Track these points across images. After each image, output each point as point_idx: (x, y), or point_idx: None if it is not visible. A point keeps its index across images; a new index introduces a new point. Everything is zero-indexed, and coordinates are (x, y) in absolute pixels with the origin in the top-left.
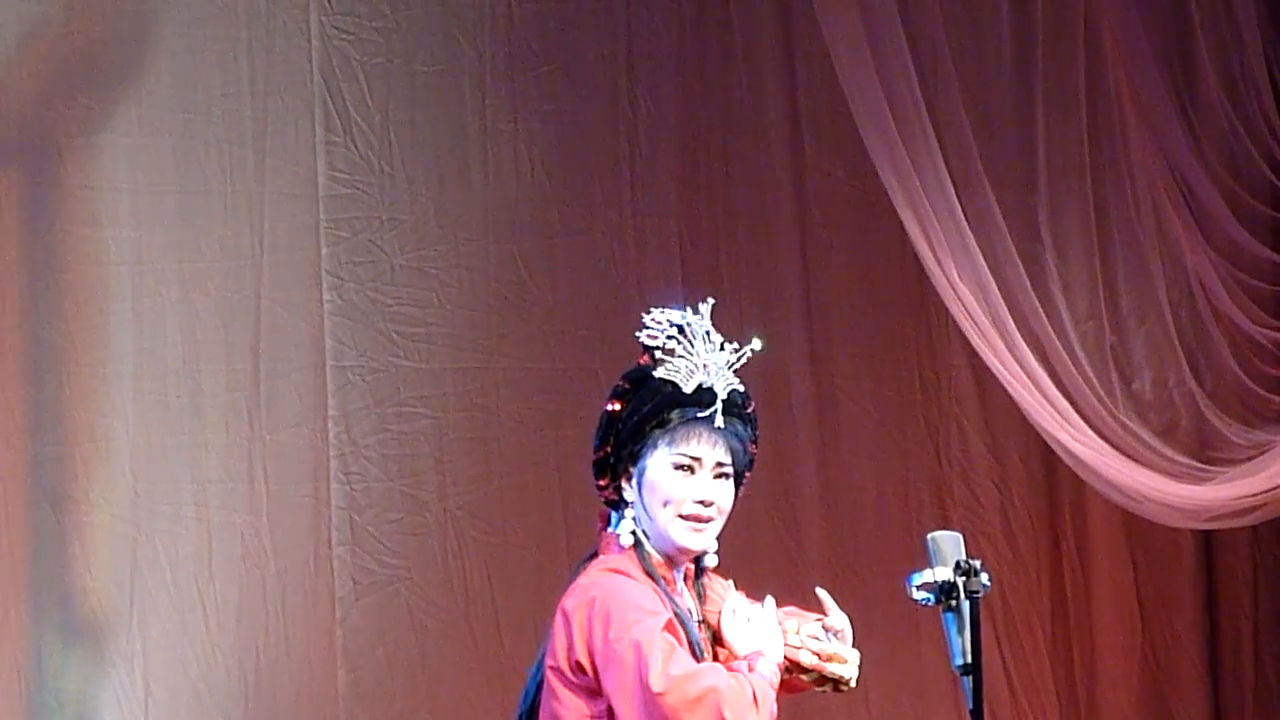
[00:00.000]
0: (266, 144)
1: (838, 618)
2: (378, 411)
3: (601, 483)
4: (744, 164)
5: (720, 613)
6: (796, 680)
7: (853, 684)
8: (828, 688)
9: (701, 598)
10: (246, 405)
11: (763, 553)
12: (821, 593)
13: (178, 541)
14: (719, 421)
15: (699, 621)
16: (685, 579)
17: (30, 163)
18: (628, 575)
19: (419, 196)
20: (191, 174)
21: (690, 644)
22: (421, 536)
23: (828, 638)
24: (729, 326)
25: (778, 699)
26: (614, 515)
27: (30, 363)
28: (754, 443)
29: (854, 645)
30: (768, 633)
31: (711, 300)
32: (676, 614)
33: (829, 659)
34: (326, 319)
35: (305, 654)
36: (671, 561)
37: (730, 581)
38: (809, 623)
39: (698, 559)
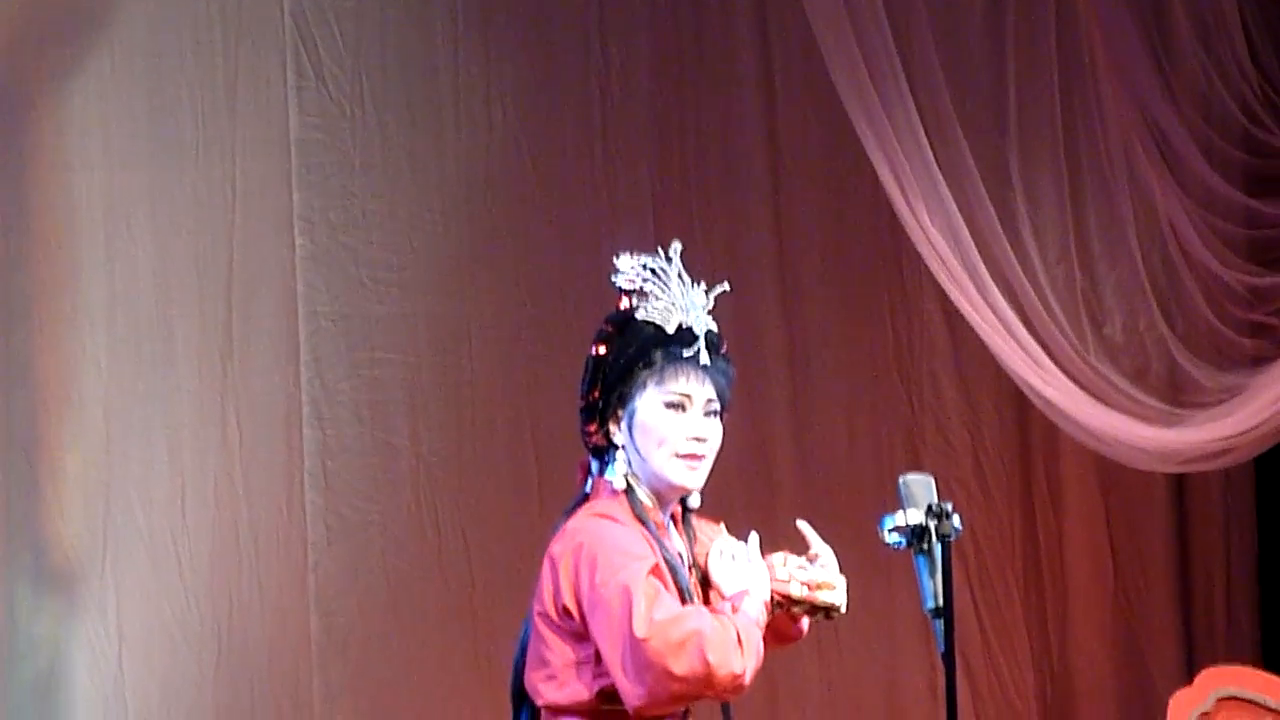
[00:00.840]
0: (238, 88)
1: (821, 548)
2: (350, 357)
3: (590, 428)
4: (716, 110)
5: (708, 554)
6: (789, 614)
7: (843, 610)
8: (819, 617)
9: (691, 539)
10: (219, 351)
11: (735, 497)
12: (803, 525)
13: (150, 487)
14: (704, 359)
15: (689, 565)
16: (674, 522)
17: (2, 106)
18: (616, 520)
19: (391, 141)
20: (163, 119)
21: (679, 588)
22: (394, 482)
23: (815, 569)
24: (701, 273)
25: (772, 643)
26: (595, 464)
27: (2, 306)
28: (732, 385)
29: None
30: (754, 571)
31: (679, 243)
32: (666, 558)
33: (818, 587)
34: (298, 264)
35: (278, 599)
36: (662, 500)
37: (721, 525)
38: (794, 556)
39: (683, 501)
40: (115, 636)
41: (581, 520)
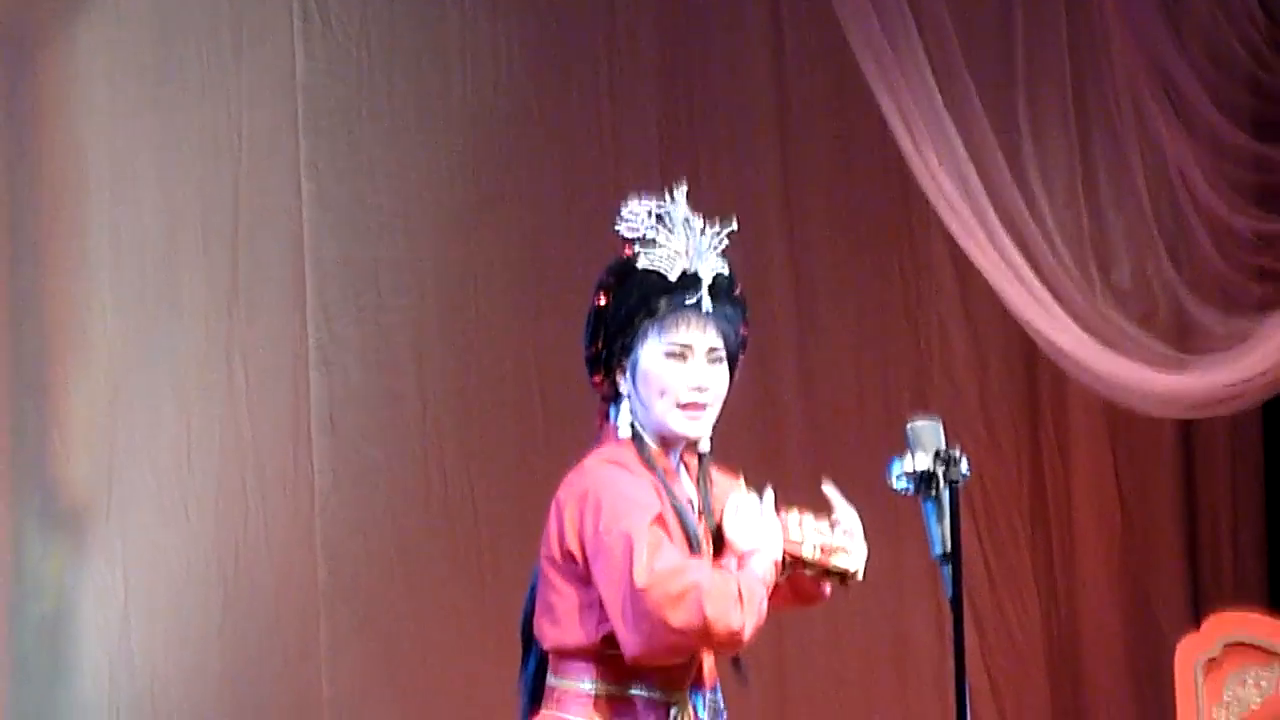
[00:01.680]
0: (244, 34)
1: (846, 514)
2: (356, 303)
3: (596, 379)
4: (723, 54)
5: (724, 508)
6: (801, 576)
7: (859, 577)
8: (834, 581)
9: (707, 486)
10: (225, 297)
11: (741, 442)
12: (829, 489)
13: (156, 433)
14: (707, 306)
15: (699, 512)
16: (687, 470)
17: (7, 54)
18: (624, 466)
19: (397, 87)
20: (169, 65)
21: (687, 534)
22: (401, 428)
23: (834, 534)
24: (707, 218)
25: (794, 602)
26: (613, 410)
27: (7, 255)
28: (745, 324)
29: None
30: (767, 529)
31: (684, 185)
32: (675, 505)
33: (831, 552)
34: (305, 210)
35: (284, 545)
36: (668, 448)
37: (740, 479)
38: (813, 518)
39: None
40: (121, 581)
41: (589, 465)
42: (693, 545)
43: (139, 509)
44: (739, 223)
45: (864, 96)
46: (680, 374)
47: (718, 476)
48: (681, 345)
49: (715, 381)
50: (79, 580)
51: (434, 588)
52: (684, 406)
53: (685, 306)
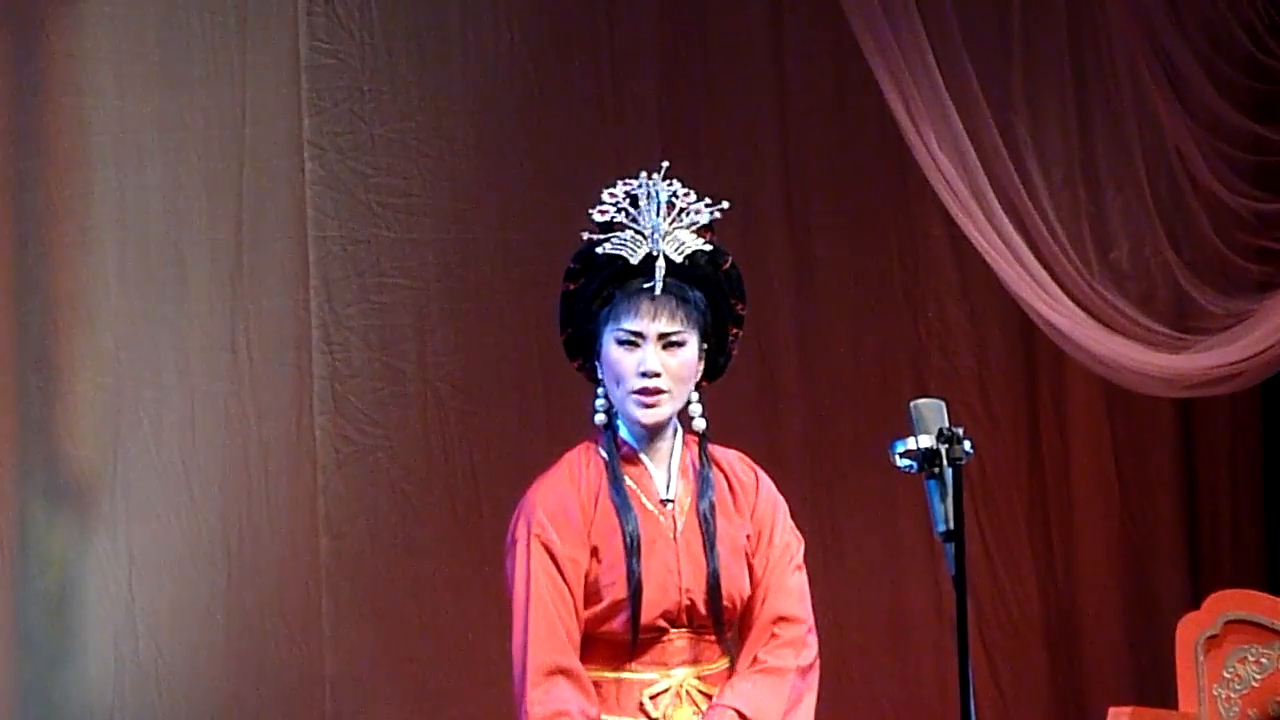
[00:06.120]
0: (248, 12)
1: None
2: (359, 282)
3: (575, 364)
4: (723, 33)
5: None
6: None
7: None
8: None
9: (709, 462)
10: (229, 274)
11: (739, 421)
12: None
13: (161, 410)
14: (658, 290)
15: (663, 500)
16: (689, 449)
17: (14, 31)
18: (561, 479)
19: (399, 67)
20: (174, 43)
21: (624, 535)
22: (402, 406)
23: None
24: (707, 196)
25: None
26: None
27: (13, 230)
28: (735, 299)
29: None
30: None
31: (666, 162)
32: (614, 500)
33: None
34: (308, 189)
35: (288, 522)
36: (649, 433)
37: (757, 476)
38: None
39: (694, 432)
40: (125, 557)
41: (542, 480)
42: (627, 547)
43: (143, 485)
44: (737, 200)
45: (863, 75)
46: (631, 360)
47: (732, 463)
48: (630, 333)
49: (669, 364)
50: (83, 556)
51: (436, 564)
52: (637, 393)
53: (638, 293)
